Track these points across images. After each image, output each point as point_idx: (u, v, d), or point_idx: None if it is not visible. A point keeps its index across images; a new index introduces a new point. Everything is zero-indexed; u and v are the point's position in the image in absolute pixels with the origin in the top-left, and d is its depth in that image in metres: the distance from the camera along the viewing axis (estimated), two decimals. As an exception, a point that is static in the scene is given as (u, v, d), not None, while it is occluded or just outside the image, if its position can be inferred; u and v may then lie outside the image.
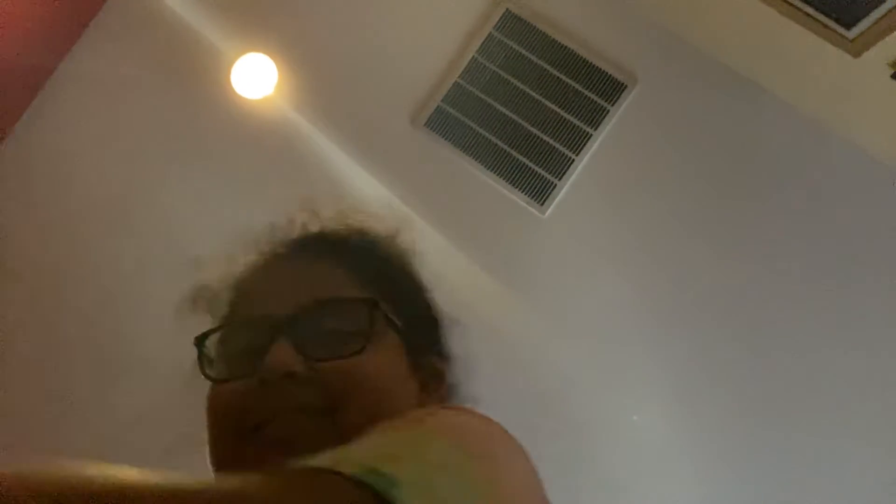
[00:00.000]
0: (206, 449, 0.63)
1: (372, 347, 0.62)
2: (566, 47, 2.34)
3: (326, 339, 0.62)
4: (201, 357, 0.65)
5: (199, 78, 2.35)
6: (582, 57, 2.33)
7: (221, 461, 0.61)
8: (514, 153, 2.32)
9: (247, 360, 0.61)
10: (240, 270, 0.69)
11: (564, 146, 2.32)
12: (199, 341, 0.65)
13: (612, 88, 2.32)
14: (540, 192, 2.31)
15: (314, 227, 0.72)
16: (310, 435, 0.57)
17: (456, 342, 0.76)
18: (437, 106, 2.35)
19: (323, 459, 0.45)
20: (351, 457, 0.45)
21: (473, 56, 2.35)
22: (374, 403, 0.60)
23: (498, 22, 2.35)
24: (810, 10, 1.86)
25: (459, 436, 0.52)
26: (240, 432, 0.59)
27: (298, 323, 0.62)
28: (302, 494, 0.43)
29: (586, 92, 2.32)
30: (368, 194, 2.31)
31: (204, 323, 0.67)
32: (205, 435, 0.64)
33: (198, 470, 0.59)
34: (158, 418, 1.26)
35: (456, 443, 0.50)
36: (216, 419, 0.62)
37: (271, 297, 0.65)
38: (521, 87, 2.34)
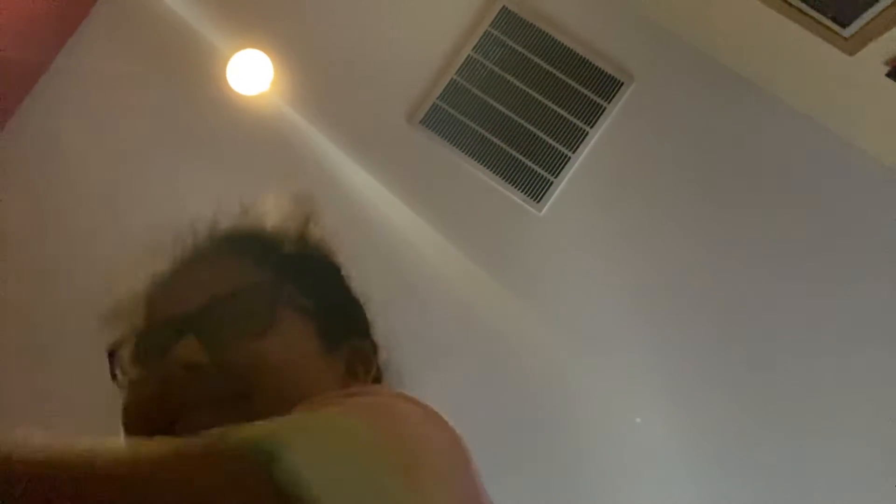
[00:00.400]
0: None
1: (275, 331, 0.63)
2: (563, 45, 2.34)
3: (230, 328, 0.62)
4: (113, 367, 0.66)
5: (194, 74, 2.34)
6: (579, 54, 2.33)
7: None
8: (510, 150, 2.32)
9: (153, 362, 0.63)
10: (151, 280, 0.70)
11: (561, 144, 2.32)
12: (111, 353, 0.67)
13: (609, 86, 2.32)
14: (536, 189, 2.31)
15: (223, 226, 0.73)
16: (224, 425, 0.54)
17: (385, 325, 0.76)
18: (434, 103, 2.35)
19: (212, 434, 0.46)
20: (240, 432, 0.45)
21: (470, 54, 2.35)
22: (288, 386, 0.61)
23: (494, 19, 2.35)
24: (806, 9, 1.86)
25: (370, 417, 0.51)
26: (153, 433, 0.58)
27: (201, 317, 0.63)
28: (178, 463, 0.44)
29: (583, 89, 2.32)
30: (359, 191, 2.31)
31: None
32: None
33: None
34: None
35: (365, 423, 0.49)
36: (129, 423, 0.63)
37: (176, 300, 0.66)
38: (518, 84, 2.34)
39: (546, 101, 2.33)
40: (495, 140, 2.33)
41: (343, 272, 0.75)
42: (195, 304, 0.64)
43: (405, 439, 0.51)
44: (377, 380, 0.71)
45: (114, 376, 0.66)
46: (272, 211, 0.75)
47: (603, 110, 2.32)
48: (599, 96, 2.32)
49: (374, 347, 0.73)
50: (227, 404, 0.59)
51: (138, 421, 0.62)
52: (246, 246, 0.70)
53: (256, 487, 0.42)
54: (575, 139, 2.32)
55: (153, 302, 0.68)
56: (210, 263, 0.69)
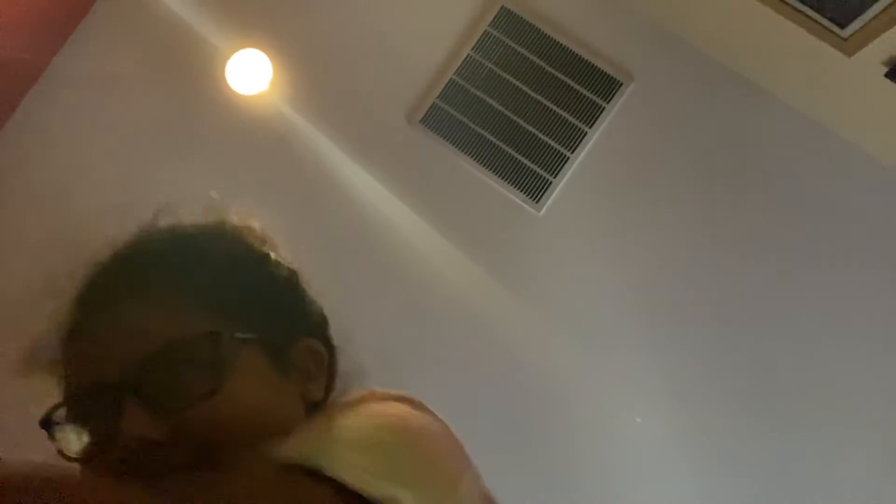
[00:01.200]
0: None
1: (229, 380, 0.57)
2: (562, 44, 2.34)
3: (176, 388, 0.56)
4: (54, 438, 0.58)
5: (193, 74, 2.34)
6: (578, 54, 2.33)
7: None
8: (509, 150, 2.33)
9: (104, 435, 0.56)
10: (65, 323, 0.61)
11: (560, 144, 2.32)
12: (47, 421, 0.58)
13: (608, 86, 2.32)
14: (535, 189, 2.32)
15: (136, 247, 0.65)
16: (195, 490, 0.52)
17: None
18: (433, 103, 2.35)
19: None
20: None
21: (469, 53, 2.35)
22: (255, 431, 0.55)
23: (494, 19, 2.35)
24: (805, 9, 1.87)
25: (381, 420, 0.55)
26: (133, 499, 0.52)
27: (138, 382, 0.55)
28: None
29: (582, 89, 2.33)
30: (358, 190, 2.31)
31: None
32: None
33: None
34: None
35: (381, 424, 0.54)
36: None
37: (101, 358, 0.58)
38: (517, 84, 2.34)
39: (545, 101, 2.33)
40: (495, 140, 2.33)
41: (271, 267, 0.67)
42: (127, 364, 0.56)
43: (413, 432, 0.55)
44: (331, 375, 0.68)
45: (64, 455, 0.57)
46: (186, 218, 0.67)
47: (602, 110, 2.32)
48: (599, 96, 2.32)
49: (326, 343, 0.68)
50: (192, 472, 0.54)
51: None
52: (168, 276, 0.61)
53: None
54: (574, 139, 2.32)
55: (75, 356, 0.59)
56: (132, 304, 0.59)
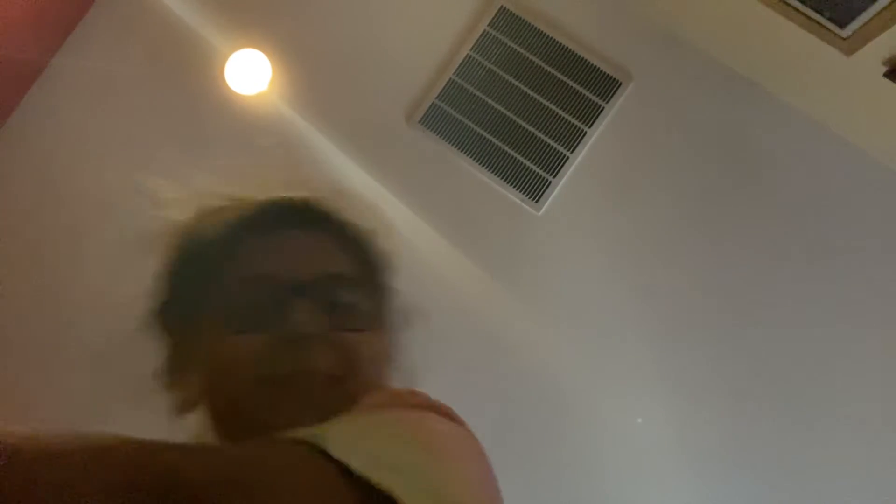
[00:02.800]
0: (185, 398, 0.65)
1: (376, 330, 0.68)
2: (561, 44, 2.34)
3: (344, 310, 0.65)
4: (192, 303, 0.65)
5: (192, 73, 2.34)
6: (577, 54, 2.33)
7: (228, 411, 0.63)
8: (508, 150, 2.33)
9: (265, 316, 0.62)
10: (219, 223, 0.67)
11: (559, 143, 2.32)
12: (192, 289, 0.66)
13: (607, 86, 2.32)
14: (535, 189, 2.32)
15: (298, 197, 0.72)
16: (323, 397, 0.60)
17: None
18: (432, 103, 2.35)
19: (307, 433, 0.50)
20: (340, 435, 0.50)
21: (468, 53, 2.35)
22: (371, 381, 0.64)
23: (492, 19, 2.35)
24: (804, 9, 1.87)
25: (422, 434, 0.55)
26: (259, 383, 0.60)
27: (318, 289, 0.64)
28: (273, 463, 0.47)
29: (581, 89, 2.33)
30: (358, 190, 2.30)
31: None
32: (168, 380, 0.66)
33: (161, 413, 0.61)
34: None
35: (413, 439, 0.54)
36: (232, 367, 0.62)
37: (282, 260, 0.66)
38: (516, 84, 2.34)
39: (544, 101, 2.33)
40: (494, 140, 2.33)
41: (396, 293, 0.77)
42: (307, 272, 0.64)
43: (428, 429, 0.56)
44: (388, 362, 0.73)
45: (215, 323, 0.63)
46: (345, 202, 0.74)
47: (601, 110, 2.32)
48: (598, 96, 2.32)
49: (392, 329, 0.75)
50: (327, 378, 0.61)
51: (245, 370, 0.61)
52: (338, 231, 0.70)
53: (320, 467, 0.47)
54: (573, 139, 2.32)
55: (245, 259, 0.66)
56: (308, 236, 0.68)
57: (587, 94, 2.32)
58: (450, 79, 2.35)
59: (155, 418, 0.64)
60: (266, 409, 0.59)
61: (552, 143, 2.32)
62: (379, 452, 0.50)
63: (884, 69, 1.90)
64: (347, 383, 0.62)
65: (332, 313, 0.64)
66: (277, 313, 0.62)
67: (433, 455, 0.52)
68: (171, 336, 0.68)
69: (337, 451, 0.48)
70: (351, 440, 0.50)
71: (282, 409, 0.58)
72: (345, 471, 0.47)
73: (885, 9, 1.74)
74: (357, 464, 0.47)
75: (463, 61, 2.35)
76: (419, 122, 2.35)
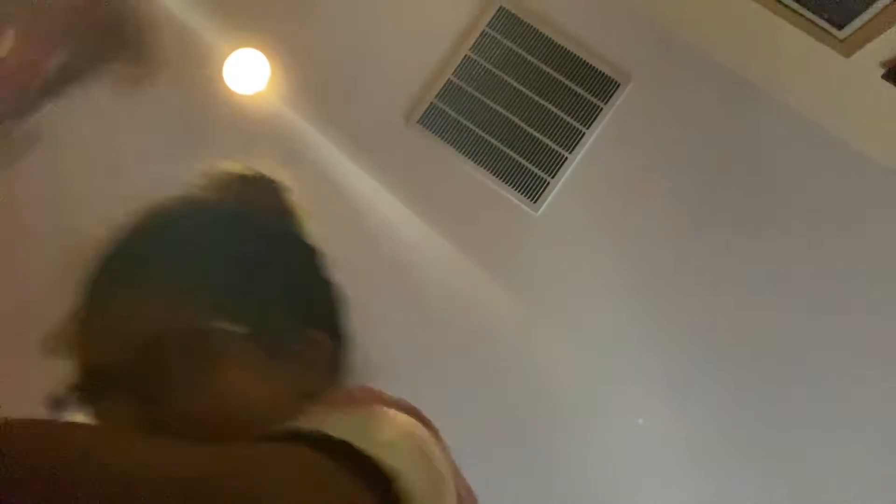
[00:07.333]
0: None
1: (216, 373, 0.58)
2: (560, 45, 2.34)
3: (164, 379, 0.57)
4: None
5: (191, 73, 2.33)
6: (575, 55, 2.33)
7: None
8: (507, 151, 2.33)
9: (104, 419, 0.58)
10: (75, 312, 0.62)
11: (558, 144, 2.32)
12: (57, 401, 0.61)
13: (606, 87, 2.33)
14: (533, 189, 2.32)
15: (123, 234, 0.66)
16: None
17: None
18: (431, 103, 2.35)
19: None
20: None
21: (467, 54, 2.35)
22: (243, 419, 0.56)
23: (492, 19, 2.35)
24: (802, 10, 1.87)
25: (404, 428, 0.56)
26: None
27: (129, 370, 0.57)
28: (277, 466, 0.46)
29: (580, 90, 2.33)
30: (356, 190, 2.30)
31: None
32: None
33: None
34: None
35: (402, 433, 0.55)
36: None
37: (99, 343, 0.60)
38: (515, 84, 2.34)
39: (543, 102, 2.33)
40: (492, 140, 2.33)
41: (298, 250, 0.71)
42: (119, 355, 0.58)
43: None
44: (334, 367, 0.67)
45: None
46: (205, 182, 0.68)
47: (600, 111, 2.32)
48: (596, 97, 2.32)
49: (334, 332, 0.68)
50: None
51: None
52: (162, 266, 0.62)
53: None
54: (572, 140, 2.32)
55: (78, 344, 0.61)
56: (127, 294, 0.61)
57: (586, 94, 2.32)
58: (448, 79, 2.35)
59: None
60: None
61: (551, 143, 2.32)
62: (372, 434, 0.51)
63: (882, 70, 1.90)
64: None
65: (161, 391, 0.58)
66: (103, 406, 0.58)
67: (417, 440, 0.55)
68: None
69: (338, 434, 0.49)
70: (344, 427, 0.51)
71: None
72: (344, 466, 0.47)
73: (882, 11, 1.74)
74: (362, 444, 0.48)
75: (462, 62, 2.35)
76: (418, 122, 2.35)
